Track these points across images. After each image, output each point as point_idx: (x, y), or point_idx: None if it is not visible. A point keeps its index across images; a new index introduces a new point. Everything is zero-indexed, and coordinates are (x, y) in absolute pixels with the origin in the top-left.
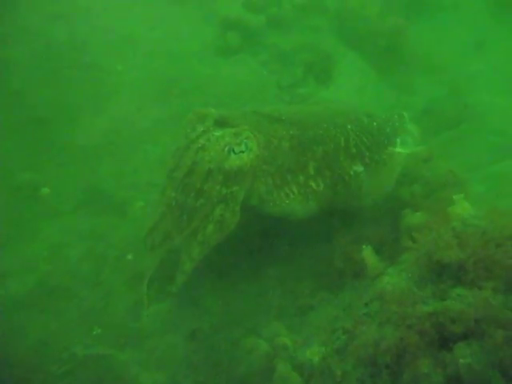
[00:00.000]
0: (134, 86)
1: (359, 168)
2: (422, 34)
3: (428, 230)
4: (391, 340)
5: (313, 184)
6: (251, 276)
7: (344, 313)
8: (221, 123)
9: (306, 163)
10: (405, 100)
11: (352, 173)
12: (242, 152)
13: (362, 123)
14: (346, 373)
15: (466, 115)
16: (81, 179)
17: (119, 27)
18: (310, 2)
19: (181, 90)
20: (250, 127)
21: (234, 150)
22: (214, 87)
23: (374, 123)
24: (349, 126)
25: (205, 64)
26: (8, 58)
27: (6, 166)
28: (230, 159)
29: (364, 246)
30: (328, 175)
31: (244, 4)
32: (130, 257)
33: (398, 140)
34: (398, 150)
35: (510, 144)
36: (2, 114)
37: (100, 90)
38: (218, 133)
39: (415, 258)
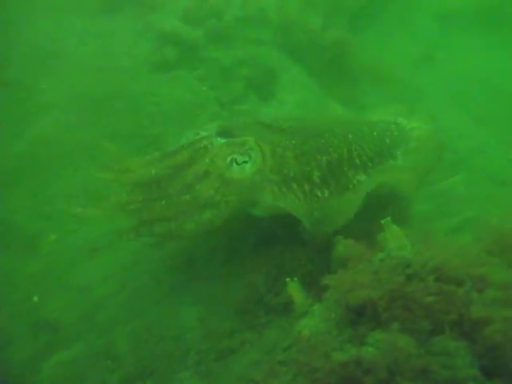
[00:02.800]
0: (59, 105)
1: (362, 177)
2: (369, 46)
3: (353, 263)
4: None
5: (318, 192)
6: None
7: (266, 358)
8: (223, 133)
9: (311, 172)
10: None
11: (355, 182)
12: (246, 162)
13: (363, 133)
14: None
15: None
16: None
17: (45, 41)
18: (252, 14)
19: (111, 109)
20: (254, 137)
21: (236, 161)
22: (149, 106)
23: (374, 133)
24: (350, 136)
25: (139, 81)
26: None
27: None
28: (231, 170)
29: (288, 279)
30: (333, 184)
31: (182, 17)
32: (35, 299)
33: (399, 152)
34: (400, 163)
35: (460, 160)
36: None
37: (21, 110)
38: (222, 140)
39: (336, 296)
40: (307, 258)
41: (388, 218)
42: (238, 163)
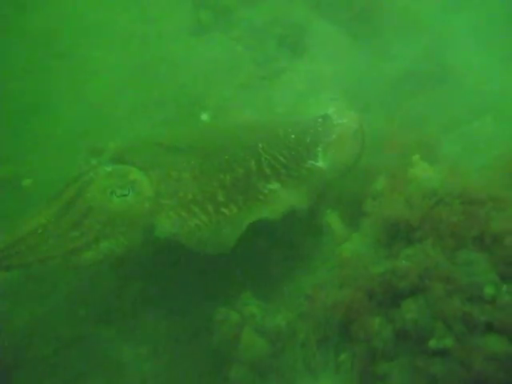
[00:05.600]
0: (110, 71)
1: (274, 185)
2: None
3: (387, 195)
4: (345, 301)
5: (225, 210)
6: None
7: (306, 282)
8: (117, 159)
9: (214, 192)
10: (381, 65)
11: (267, 191)
12: (125, 195)
13: (277, 138)
14: (308, 335)
15: (442, 76)
16: (61, 169)
17: (91, 13)
18: None
19: (156, 72)
20: (143, 164)
21: (116, 194)
22: (189, 68)
23: (292, 135)
24: (260, 145)
25: (179, 45)
26: None
27: None
28: (112, 202)
29: (328, 211)
30: (241, 199)
31: None
32: None
33: (320, 149)
34: (320, 163)
35: (486, 103)
36: None
37: (77, 77)
38: (108, 168)
39: (373, 222)
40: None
41: (417, 156)
42: (117, 196)
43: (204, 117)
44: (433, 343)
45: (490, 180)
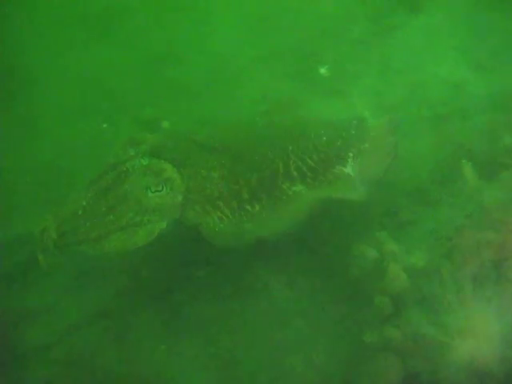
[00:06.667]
0: (230, 24)
1: (299, 187)
2: None
3: None
4: (495, 242)
5: (248, 207)
6: None
7: (443, 225)
8: (153, 153)
9: (240, 190)
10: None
11: (291, 193)
12: (159, 191)
13: (308, 140)
14: (452, 272)
15: None
16: (195, 113)
17: None
18: None
19: (275, 26)
20: (177, 161)
21: (151, 189)
22: (307, 22)
23: (324, 138)
24: (290, 148)
25: (291, 1)
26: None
27: (131, 101)
28: (147, 196)
29: (464, 161)
30: (264, 198)
31: None
32: None
33: (350, 154)
34: (348, 170)
35: None
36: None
37: (197, 30)
38: (145, 162)
39: None
40: None
41: None
42: (152, 191)
43: (322, 71)
44: None
45: None
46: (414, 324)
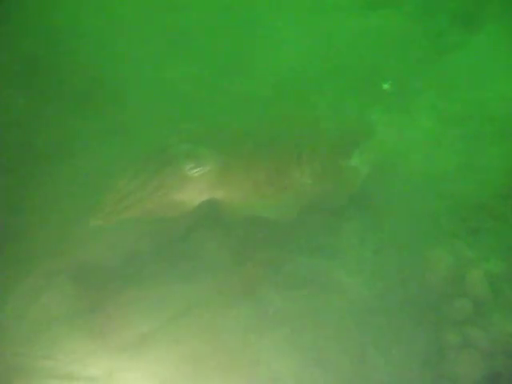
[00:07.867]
0: (294, 41)
1: (308, 180)
2: None
3: None
4: None
5: (263, 189)
6: None
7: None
8: (194, 141)
9: (257, 176)
10: None
11: (301, 183)
12: (198, 171)
13: (320, 133)
14: None
15: None
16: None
17: None
18: None
19: (334, 44)
20: (213, 149)
21: (192, 169)
22: (366, 40)
23: (336, 132)
24: (303, 140)
25: (354, 19)
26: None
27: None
28: (189, 173)
29: None
30: (276, 184)
31: None
32: None
33: (357, 150)
34: (355, 162)
35: None
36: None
37: (265, 44)
38: (186, 147)
39: None
40: None
41: None
42: (192, 170)
43: (385, 86)
44: None
45: None
46: (496, 324)
